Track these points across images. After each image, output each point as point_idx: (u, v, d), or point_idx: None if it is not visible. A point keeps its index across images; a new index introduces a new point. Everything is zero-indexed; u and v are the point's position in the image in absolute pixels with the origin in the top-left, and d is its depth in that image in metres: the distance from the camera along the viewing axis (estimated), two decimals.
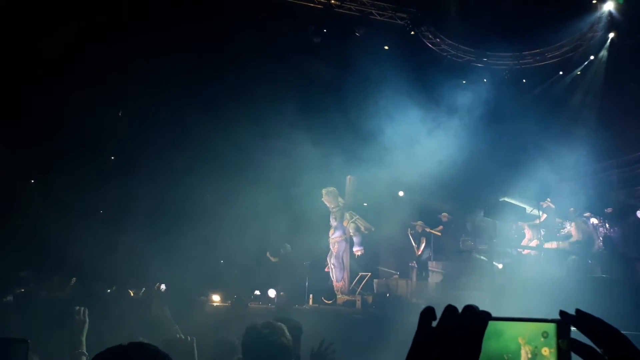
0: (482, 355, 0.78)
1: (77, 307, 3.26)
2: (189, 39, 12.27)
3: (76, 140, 12.51)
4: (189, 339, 3.28)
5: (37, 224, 11.21)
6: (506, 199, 10.57)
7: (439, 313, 0.84)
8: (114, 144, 13.38)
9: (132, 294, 10.07)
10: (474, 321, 0.79)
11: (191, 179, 13.09)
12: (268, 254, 11.88)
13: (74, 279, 10.30)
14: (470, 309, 0.81)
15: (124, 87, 12.45)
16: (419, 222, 11.91)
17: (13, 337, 1.73)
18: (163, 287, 10.13)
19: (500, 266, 9.90)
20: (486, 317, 0.80)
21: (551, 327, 0.80)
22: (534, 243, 9.02)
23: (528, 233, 9.29)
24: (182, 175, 13.00)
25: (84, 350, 3.05)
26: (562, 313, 0.81)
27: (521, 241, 9.48)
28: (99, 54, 11.82)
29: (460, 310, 0.82)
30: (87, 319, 3.22)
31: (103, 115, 12.67)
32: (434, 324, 0.82)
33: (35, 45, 11.33)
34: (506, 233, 10.40)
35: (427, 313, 0.83)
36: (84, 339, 3.09)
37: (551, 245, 9.04)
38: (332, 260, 11.43)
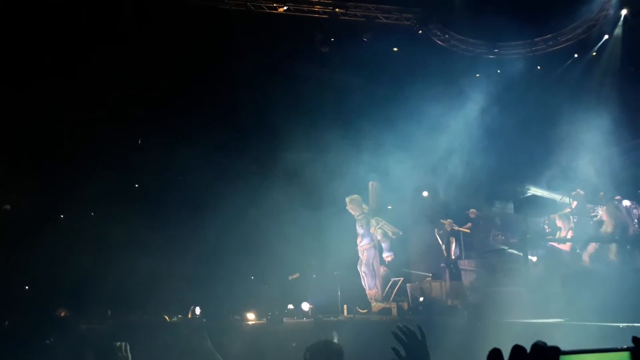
0: None
1: (118, 343, 3.27)
2: (203, 67, 12.50)
3: (101, 169, 12.75)
4: None
5: (67, 258, 11.39)
6: (534, 192, 10.36)
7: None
8: (139, 172, 13.58)
9: (167, 320, 10.14)
10: (544, 358, 0.75)
11: (216, 197, 13.18)
12: (290, 277, 11.91)
13: (109, 311, 10.43)
14: (539, 348, 0.77)
15: (146, 119, 12.70)
16: (448, 221, 11.75)
17: None
18: (198, 310, 10.18)
19: (534, 259, 9.68)
20: (556, 353, 0.75)
21: (625, 356, 0.75)
22: (569, 234, 8.81)
23: (560, 224, 9.08)
24: (207, 192, 13.08)
25: None
26: (635, 340, 0.77)
27: (555, 234, 9.26)
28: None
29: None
30: (130, 354, 3.23)
31: (126, 145, 12.91)
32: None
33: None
34: (537, 226, 10.18)
35: (495, 355, 0.80)
36: None
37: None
38: (363, 268, 11.35)
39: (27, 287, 12.66)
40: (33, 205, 13.44)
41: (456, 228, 11.75)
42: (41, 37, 11.60)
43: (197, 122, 12.87)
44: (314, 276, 12.10)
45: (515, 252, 9.43)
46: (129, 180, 13.84)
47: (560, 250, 8.94)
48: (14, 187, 13.81)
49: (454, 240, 11.56)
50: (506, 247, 9.67)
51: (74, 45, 11.91)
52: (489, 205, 12.45)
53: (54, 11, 11.58)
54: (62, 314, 8.33)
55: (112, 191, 12.69)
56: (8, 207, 14.31)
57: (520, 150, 12.52)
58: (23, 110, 11.90)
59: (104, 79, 12.18)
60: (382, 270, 11.42)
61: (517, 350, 0.78)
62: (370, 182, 12.03)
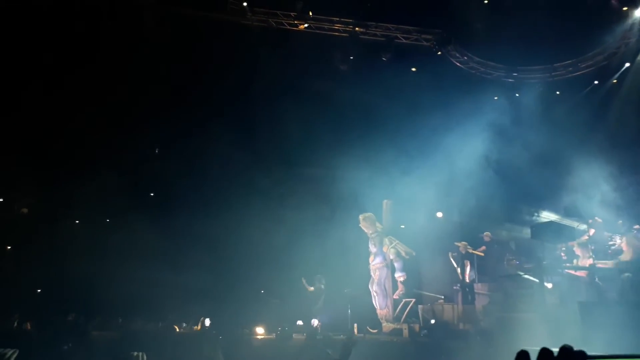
0: None
1: (136, 353, 3.28)
2: (222, 81, 12.64)
3: (116, 178, 12.88)
4: None
5: (80, 264, 11.46)
6: (550, 218, 10.23)
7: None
8: (154, 182, 13.70)
9: (177, 330, 10.12)
10: None
11: (228, 211, 13.24)
12: (304, 280, 11.79)
13: (120, 319, 10.45)
14: (566, 351, 0.77)
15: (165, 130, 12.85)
16: (462, 243, 11.64)
17: None
18: (207, 321, 10.15)
19: (550, 286, 9.52)
20: (583, 357, 0.76)
21: None
22: (588, 262, 8.66)
23: (579, 252, 8.93)
24: (218, 208, 13.16)
25: None
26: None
27: (571, 262, 9.12)
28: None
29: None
30: None
31: (142, 153, 13.05)
32: None
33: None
34: (553, 253, 10.03)
35: (522, 357, 0.80)
36: None
37: (604, 264, 8.65)
38: (374, 288, 11.26)
39: (38, 291, 12.76)
40: (48, 210, 13.62)
41: (470, 251, 11.63)
42: (59, 43, 11.79)
43: (214, 136, 12.99)
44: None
45: (531, 277, 9.29)
46: (144, 189, 13.97)
47: (577, 277, 8.79)
48: (30, 192, 14.03)
49: (468, 264, 11.42)
50: (522, 273, 9.52)
51: (95, 53, 12.12)
52: (503, 229, 12.31)
53: (81, 14, 11.80)
54: (76, 319, 8.38)
55: (127, 200, 12.80)
56: (25, 210, 14.52)
57: (536, 175, 12.41)
58: (41, 117, 12.11)
59: (124, 88, 12.38)
60: (395, 290, 11.32)
61: (545, 352, 0.78)
62: (385, 201, 12.00)
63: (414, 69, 14.12)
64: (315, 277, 11.86)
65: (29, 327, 7.57)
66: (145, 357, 3.19)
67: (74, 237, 12.78)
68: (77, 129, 12.37)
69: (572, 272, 8.90)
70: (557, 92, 14.77)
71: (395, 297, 11.19)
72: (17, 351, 2.50)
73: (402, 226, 12.57)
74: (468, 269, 11.39)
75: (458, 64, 14.61)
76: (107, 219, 14.10)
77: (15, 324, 9.55)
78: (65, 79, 12.06)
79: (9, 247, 14.02)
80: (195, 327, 10.38)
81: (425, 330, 9.78)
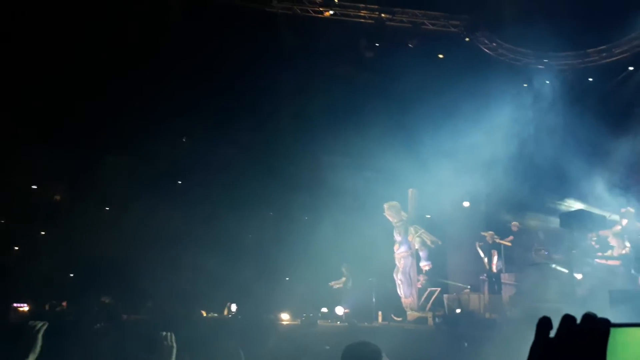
0: None
1: (164, 333, 3.35)
2: (247, 68, 12.67)
3: (147, 165, 13.11)
4: None
5: (111, 248, 11.75)
6: (582, 207, 9.99)
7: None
8: (184, 169, 13.91)
9: (204, 314, 10.32)
10: (594, 329, 0.73)
11: (256, 198, 13.35)
12: (331, 284, 11.90)
13: (150, 302, 10.70)
14: (590, 317, 0.76)
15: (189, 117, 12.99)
16: (490, 233, 11.49)
17: None
18: (234, 307, 10.31)
19: (579, 277, 9.34)
20: (607, 324, 0.74)
21: None
22: (625, 251, 8.44)
23: (614, 242, 8.70)
24: (247, 194, 13.27)
25: None
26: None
27: (604, 251, 8.90)
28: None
29: (574, 311, 0.77)
30: (175, 344, 3.31)
31: (173, 142, 13.25)
32: (552, 334, 0.78)
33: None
34: (584, 242, 9.81)
35: (544, 323, 0.79)
36: None
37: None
38: (399, 276, 11.24)
39: (71, 275, 13.15)
40: (80, 198, 13.99)
41: (497, 240, 11.47)
42: (86, 31, 11.96)
43: (238, 124, 13.09)
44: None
45: (560, 268, 9.13)
46: (174, 176, 14.20)
47: (609, 267, 8.58)
48: (62, 180, 14.44)
49: (495, 253, 11.27)
50: (550, 263, 9.35)
51: (122, 41, 12.26)
52: (532, 218, 12.09)
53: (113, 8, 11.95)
54: (107, 301, 8.63)
55: (157, 188, 13.05)
56: (58, 197, 14.94)
57: (567, 163, 12.12)
58: (73, 105, 12.37)
59: (152, 78, 12.54)
60: (419, 279, 11.27)
61: (567, 319, 0.77)
62: (410, 189, 11.91)
63: (441, 56, 13.89)
64: (343, 265, 11.93)
65: (64, 306, 7.84)
66: (173, 338, 3.25)
67: (105, 223, 13.11)
68: (108, 118, 12.62)
69: (604, 261, 8.69)
70: (590, 79, 14.35)
71: (418, 285, 11.15)
72: (47, 324, 2.57)
73: (428, 216, 12.48)
74: (495, 258, 11.25)
75: (486, 51, 14.31)
76: (137, 206, 14.39)
77: (48, 306, 9.92)
78: (93, 68, 12.27)
79: (42, 233, 14.48)
80: (223, 312, 10.56)
81: (440, 319, 9.72)
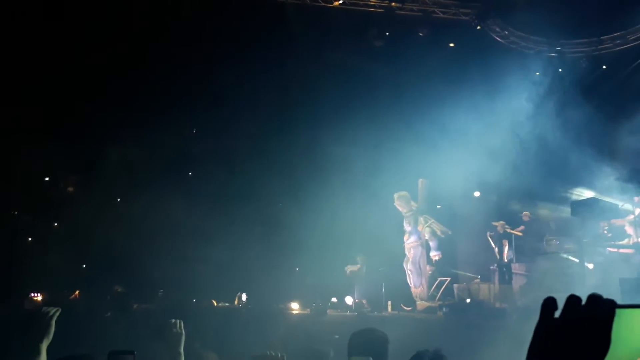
0: (615, 348, 0.71)
1: (173, 320, 3.38)
2: (255, 58, 12.64)
3: (157, 157, 13.19)
4: (279, 355, 3.21)
5: (122, 240, 11.88)
6: (595, 195, 9.88)
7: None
8: (194, 161, 13.97)
9: (215, 304, 10.42)
10: (600, 310, 0.73)
11: (265, 188, 13.37)
12: (347, 268, 11.89)
13: (161, 291, 10.82)
14: (595, 298, 0.76)
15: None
16: (500, 222, 11.43)
17: (122, 350, 1.83)
18: (244, 296, 10.40)
19: (590, 266, 9.27)
20: (612, 305, 0.74)
21: None
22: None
23: (630, 230, 8.58)
24: (256, 184, 13.31)
25: None
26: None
27: (619, 240, 8.80)
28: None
29: (584, 299, 0.77)
30: (184, 331, 3.34)
31: (181, 132, 13.30)
32: (557, 314, 0.78)
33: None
34: (596, 231, 9.72)
35: (549, 303, 0.79)
36: (182, 350, 3.20)
37: None
38: (409, 266, 11.24)
39: (84, 266, 13.33)
40: (93, 189, 14.13)
41: (508, 230, 11.41)
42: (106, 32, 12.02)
43: (248, 116, 13.10)
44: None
45: (571, 258, 9.06)
46: (184, 167, 14.28)
47: (621, 256, 8.49)
48: (74, 172, 14.60)
49: (506, 243, 11.22)
50: (561, 253, 9.29)
51: (133, 31, 12.27)
52: (543, 208, 11.99)
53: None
54: (118, 290, 8.75)
55: (167, 180, 13.14)
56: (71, 189, 15.12)
57: (578, 152, 11.98)
58: (86, 98, 12.46)
59: (162, 69, 12.57)
60: (428, 269, 11.26)
61: (572, 299, 0.77)
62: (420, 179, 11.87)
63: (451, 44, 13.74)
64: (358, 255, 11.97)
65: (77, 295, 7.97)
66: (182, 325, 3.28)
67: (116, 215, 13.24)
68: (121, 110, 12.70)
69: (616, 250, 8.61)
70: (604, 67, 14.12)
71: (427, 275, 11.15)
72: (60, 310, 2.61)
73: (439, 206, 12.43)
74: (506, 248, 11.20)
75: (498, 39, 14.14)
76: (148, 197, 14.49)
77: (60, 296, 10.07)
78: (106, 60, 12.33)
79: (55, 224, 14.67)
80: (233, 302, 10.65)
81: (448, 309, 9.70)
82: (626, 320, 0.75)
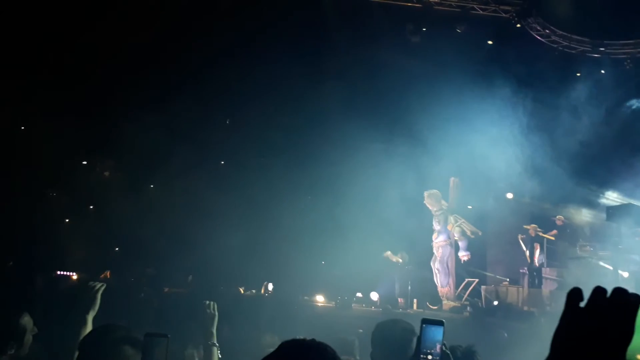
0: (638, 339, 0.73)
1: (207, 302, 3.48)
2: (291, 52, 12.68)
3: (190, 145, 13.42)
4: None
5: (154, 224, 12.14)
6: (632, 201, 9.60)
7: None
8: (225, 150, 14.17)
9: (242, 292, 10.58)
10: (625, 302, 0.75)
11: (290, 183, 13.43)
12: (389, 254, 11.76)
13: (190, 277, 11.05)
14: (621, 290, 0.78)
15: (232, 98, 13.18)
16: (533, 226, 11.21)
17: (156, 332, 1.91)
18: (270, 286, 10.53)
19: (625, 275, 9.01)
20: (637, 298, 0.75)
21: None
22: None
23: None
24: (280, 179, 13.39)
25: (215, 342, 3.25)
26: None
27: None
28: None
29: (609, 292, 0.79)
30: (217, 313, 3.43)
31: (215, 123, 13.50)
32: (582, 305, 0.80)
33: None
34: (632, 239, 9.43)
35: (575, 294, 0.81)
36: (214, 330, 3.29)
37: None
38: (437, 265, 11.16)
39: (117, 249, 13.71)
40: (126, 175, 14.51)
41: (541, 234, 11.18)
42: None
43: (284, 108, 13.18)
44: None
45: (605, 265, 8.83)
46: (217, 157, 14.49)
47: None
48: (112, 157, 15.00)
49: (538, 247, 10.99)
50: (595, 259, 9.06)
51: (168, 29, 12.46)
52: (578, 213, 11.70)
53: None
54: (150, 272, 8.99)
55: (200, 168, 13.37)
56: (107, 173, 15.56)
57: (619, 158, 11.62)
58: (117, 84, 12.75)
59: (196, 60, 12.76)
60: (458, 269, 11.16)
61: (598, 290, 0.79)
62: (452, 178, 11.74)
63: (490, 42, 13.49)
64: (399, 253, 11.95)
65: (108, 276, 8.23)
66: (216, 307, 3.38)
67: (149, 200, 13.55)
68: (158, 101, 12.96)
69: None
70: None
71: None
72: (105, 285, 2.74)
73: (470, 206, 12.26)
74: (537, 252, 10.97)
75: (539, 38, 13.81)
76: (181, 184, 14.76)
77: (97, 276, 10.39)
78: (140, 50, 12.57)
79: (91, 207, 15.13)
80: (260, 291, 10.80)
81: (475, 310, 9.60)
82: None
